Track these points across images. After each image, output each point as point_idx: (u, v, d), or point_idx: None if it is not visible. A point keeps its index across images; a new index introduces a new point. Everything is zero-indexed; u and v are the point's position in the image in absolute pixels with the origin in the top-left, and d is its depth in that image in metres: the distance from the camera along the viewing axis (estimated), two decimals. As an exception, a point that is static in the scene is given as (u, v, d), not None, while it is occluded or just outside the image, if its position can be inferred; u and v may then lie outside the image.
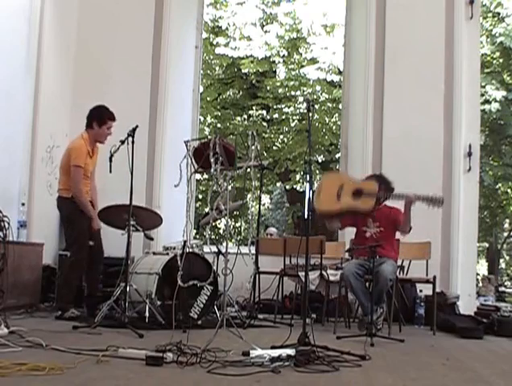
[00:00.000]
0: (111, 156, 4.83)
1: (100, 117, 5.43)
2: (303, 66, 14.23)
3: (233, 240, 15.20)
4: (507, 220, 20.37)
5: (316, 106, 13.58)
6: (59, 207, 5.60)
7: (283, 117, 15.14)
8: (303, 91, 14.38)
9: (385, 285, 5.02)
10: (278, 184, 18.59)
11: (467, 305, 6.43)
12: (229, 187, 4.99)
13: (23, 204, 6.20)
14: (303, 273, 4.85)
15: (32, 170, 6.43)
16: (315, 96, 14.13)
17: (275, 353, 3.43)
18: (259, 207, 6.73)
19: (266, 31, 14.36)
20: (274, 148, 15.58)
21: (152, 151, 7.21)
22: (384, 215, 5.35)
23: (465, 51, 6.93)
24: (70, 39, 7.23)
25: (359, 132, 7.19)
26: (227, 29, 14.56)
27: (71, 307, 5.28)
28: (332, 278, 5.69)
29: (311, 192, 4.20)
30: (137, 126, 4.88)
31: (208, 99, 15.19)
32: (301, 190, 15.42)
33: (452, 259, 6.71)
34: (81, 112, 7.22)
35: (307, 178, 4.18)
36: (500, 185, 16.21)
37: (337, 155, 13.62)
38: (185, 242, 5.07)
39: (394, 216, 5.34)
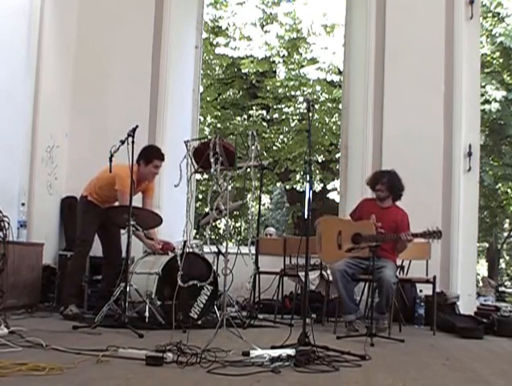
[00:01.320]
0: (111, 156, 4.83)
1: (147, 156, 5.53)
2: (303, 66, 14.22)
3: (233, 240, 15.22)
4: (507, 220, 20.36)
5: (316, 106, 13.57)
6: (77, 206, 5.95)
7: (283, 117, 15.14)
8: (303, 91, 14.37)
9: (390, 290, 4.99)
10: (278, 184, 18.59)
11: (467, 305, 6.42)
12: (229, 187, 4.99)
13: (23, 204, 6.20)
14: (303, 273, 4.85)
15: (32, 170, 6.43)
16: (315, 96, 14.12)
17: (275, 353, 3.43)
18: (259, 207, 6.74)
19: (266, 31, 14.36)
20: (274, 148, 15.57)
21: (152, 151, 7.20)
22: (389, 217, 5.31)
23: (465, 51, 6.93)
24: (70, 39, 7.23)
25: (359, 132, 7.19)
26: (227, 29, 14.55)
27: (72, 302, 5.41)
28: (332, 278, 5.68)
29: (310, 192, 4.20)
30: (137, 126, 4.88)
31: (208, 99, 15.19)
32: (301, 190, 15.41)
33: (452, 259, 6.70)
34: (81, 112, 7.28)
35: (307, 178, 4.18)
36: (500, 185, 16.19)
37: (337, 155, 13.61)
38: (185, 242, 5.07)
39: (400, 222, 5.33)
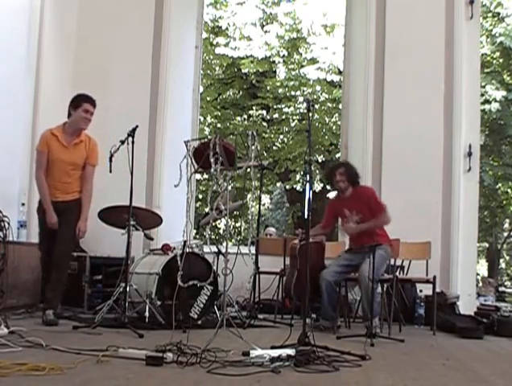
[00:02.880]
0: (111, 156, 4.83)
1: (74, 102, 5.10)
2: (303, 66, 14.22)
3: (233, 240, 15.21)
4: (507, 220, 20.36)
5: (316, 106, 13.57)
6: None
7: (283, 117, 15.14)
8: (303, 91, 14.37)
9: (367, 287, 4.92)
10: (278, 184, 18.59)
11: (467, 305, 6.42)
12: (229, 187, 4.99)
13: (23, 204, 6.20)
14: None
15: (32, 170, 6.38)
16: (315, 96, 14.13)
17: (275, 353, 3.43)
18: (259, 207, 6.73)
19: (266, 31, 14.36)
20: (274, 148, 15.58)
21: (152, 151, 7.21)
22: (358, 201, 5.35)
23: (465, 51, 6.93)
24: (70, 39, 7.23)
25: (359, 132, 7.19)
26: (227, 29, 14.55)
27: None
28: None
29: (310, 192, 4.20)
30: (137, 126, 4.88)
31: (208, 99, 15.19)
32: (301, 190, 15.41)
33: (452, 259, 6.71)
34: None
35: (307, 178, 4.18)
36: (500, 185, 16.20)
37: (337, 155, 13.61)
38: (185, 242, 5.07)
39: (369, 200, 5.34)
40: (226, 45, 14.22)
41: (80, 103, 5.07)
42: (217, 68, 15.56)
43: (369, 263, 4.73)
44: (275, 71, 14.85)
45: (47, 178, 5.07)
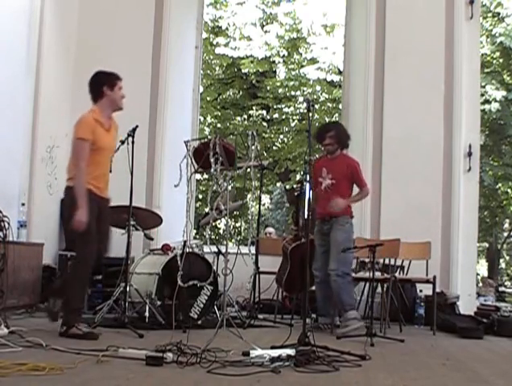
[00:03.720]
0: (111, 156, 4.83)
1: (109, 80, 4.60)
2: (303, 66, 14.24)
3: (233, 240, 15.20)
4: (507, 220, 20.36)
5: (316, 106, 13.58)
6: (64, 199, 4.72)
7: (283, 116, 15.15)
8: (303, 91, 14.39)
9: (338, 286, 5.04)
10: (278, 184, 18.60)
11: (467, 305, 6.42)
12: (229, 187, 4.99)
13: (23, 204, 6.20)
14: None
15: (32, 170, 6.43)
16: (315, 96, 14.14)
17: (275, 353, 3.43)
18: (259, 207, 6.73)
19: (266, 31, 14.38)
20: (274, 148, 15.59)
21: (152, 151, 7.20)
22: (338, 168, 5.30)
23: (465, 51, 6.93)
24: (70, 39, 7.23)
25: (359, 132, 7.18)
26: (227, 29, 14.57)
27: (77, 321, 4.27)
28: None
29: (310, 192, 4.20)
30: (137, 126, 4.88)
31: (208, 99, 15.20)
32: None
33: (452, 259, 6.71)
34: (81, 112, 7.24)
35: (307, 178, 4.18)
36: (500, 185, 16.20)
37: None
38: (185, 242, 5.07)
39: (350, 171, 5.32)
40: (226, 45, 14.23)
41: (115, 81, 4.60)
42: (217, 68, 15.57)
43: (336, 259, 5.00)
44: (275, 71, 14.87)
45: (92, 171, 4.38)
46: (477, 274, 12.17)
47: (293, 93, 14.60)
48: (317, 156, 5.93)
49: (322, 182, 5.31)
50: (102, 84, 4.55)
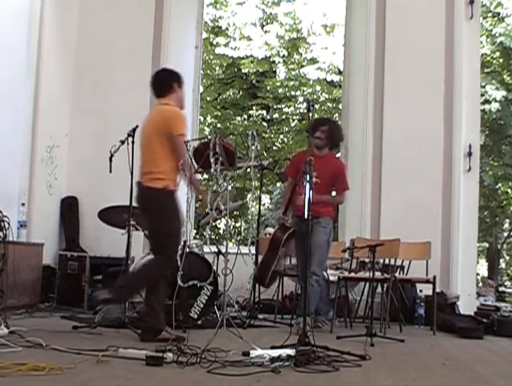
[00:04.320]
0: (111, 156, 4.83)
1: (178, 78, 4.56)
2: (303, 66, 14.24)
3: (233, 240, 15.20)
4: (507, 220, 20.34)
5: (316, 106, 13.57)
6: (148, 201, 4.45)
7: (283, 116, 15.15)
8: (303, 91, 14.39)
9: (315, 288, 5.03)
10: (278, 184, 18.58)
11: (467, 305, 6.42)
12: (229, 187, 4.99)
13: (23, 204, 6.20)
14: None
15: (32, 170, 6.43)
16: (315, 96, 14.13)
17: (275, 353, 3.43)
18: (259, 207, 6.73)
19: (266, 31, 14.38)
20: (274, 148, 15.58)
21: (152, 151, 7.18)
22: (326, 166, 5.20)
23: (465, 51, 6.93)
24: (70, 39, 7.23)
25: (359, 132, 7.19)
26: (227, 29, 14.57)
27: (164, 325, 4.24)
28: (331, 278, 5.68)
29: (310, 192, 4.19)
30: (137, 126, 4.87)
31: (208, 99, 15.20)
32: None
33: (452, 259, 6.71)
34: (81, 112, 7.28)
35: (307, 178, 4.18)
36: (500, 185, 16.19)
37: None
38: (185, 242, 5.07)
39: (338, 174, 5.29)
40: (226, 45, 14.23)
41: (182, 81, 4.61)
42: (217, 68, 15.57)
43: (317, 263, 5.01)
44: (275, 71, 14.87)
45: (175, 164, 4.38)
46: (477, 274, 12.17)
47: (293, 93, 14.61)
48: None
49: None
50: (172, 80, 4.55)
